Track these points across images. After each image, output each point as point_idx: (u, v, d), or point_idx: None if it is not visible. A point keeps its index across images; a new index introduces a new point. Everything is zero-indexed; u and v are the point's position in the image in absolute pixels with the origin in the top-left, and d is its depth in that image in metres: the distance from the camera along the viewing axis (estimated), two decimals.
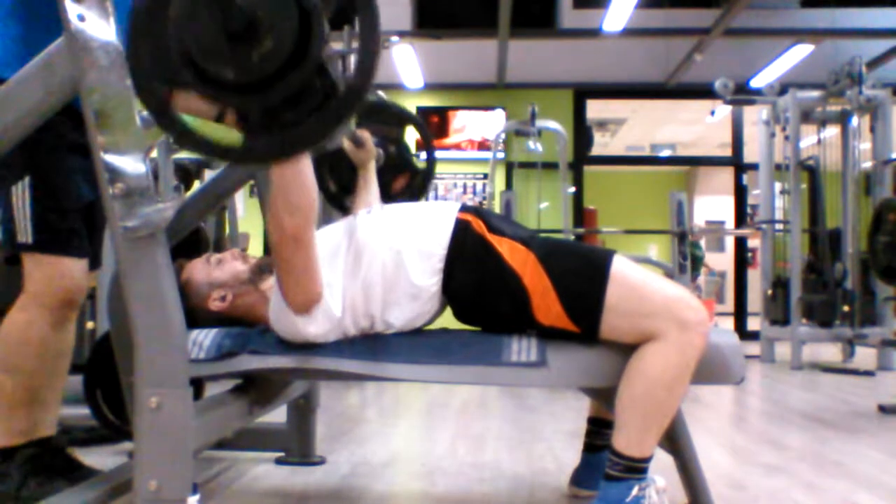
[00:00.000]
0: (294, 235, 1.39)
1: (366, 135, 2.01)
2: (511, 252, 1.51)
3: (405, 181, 2.21)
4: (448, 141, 8.11)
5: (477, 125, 8.10)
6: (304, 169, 1.35)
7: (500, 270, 1.50)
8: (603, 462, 1.50)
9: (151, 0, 0.91)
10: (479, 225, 1.55)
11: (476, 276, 1.52)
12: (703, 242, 10.06)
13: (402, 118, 2.22)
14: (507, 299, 1.50)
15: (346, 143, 2.02)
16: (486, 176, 7.59)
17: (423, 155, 2.25)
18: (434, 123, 8.13)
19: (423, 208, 1.65)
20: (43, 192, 1.59)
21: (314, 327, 1.46)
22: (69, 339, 1.82)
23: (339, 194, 2.15)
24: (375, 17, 1.03)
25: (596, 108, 9.01)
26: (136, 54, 1.08)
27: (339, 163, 2.10)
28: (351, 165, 2.07)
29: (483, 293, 1.52)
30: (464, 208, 1.60)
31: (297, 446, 2.18)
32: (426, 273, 1.53)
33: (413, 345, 1.51)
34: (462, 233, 1.54)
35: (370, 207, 1.96)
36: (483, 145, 7.95)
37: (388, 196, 2.19)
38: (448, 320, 1.64)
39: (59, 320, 1.60)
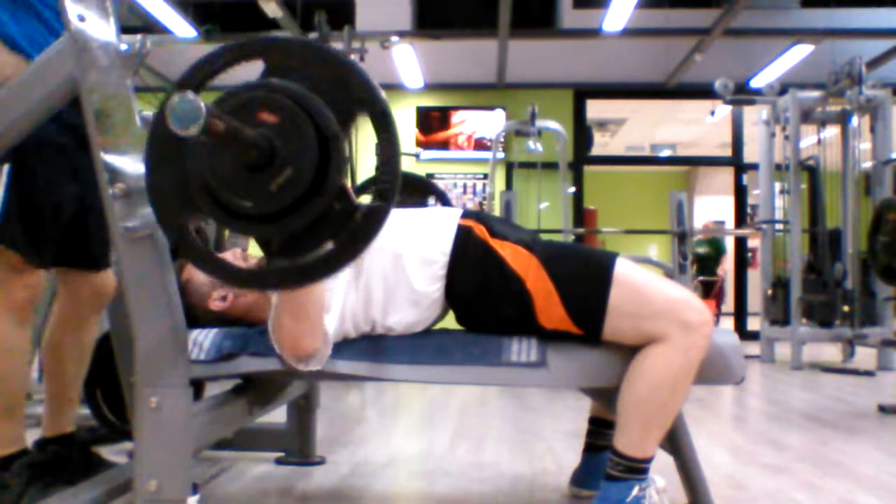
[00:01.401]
0: (293, 345, 1.38)
1: None
2: (514, 256, 1.50)
3: None
4: (446, 134, 8.11)
5: (477, 125, 8.10)
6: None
7: (502, 275, 1.49)
8: (603, 462, 1.50)
9: (170, 133, 0.90)
10: (480, 230, 1.54)
11: (479, 280, 1.51)
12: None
13: (422, 188, 2.24)
14: (510, 303, 1.49)
15: None
16: (486, 176, 7.59)
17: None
18: (436, 119, 8.14)
19: (425, 214, 1.64)
20: (21, 188, 1.55)
21: (307, 368, 1.45)
22: (89, 337, 1.82)
23: None
24: (396, 140, 1.02)
25: (596, 108, 9.01)
26: (156, 183, 1.07)
27: None
28: None
29: (486, 298, 1.51)
30: (465, 214, 1.59)
31: (297, 446, 2.18)
32: (427, 279, 1.53)
33: (413, 346, 1.51)
34: (464, 238, 1.53)
35: None
36: (483, 145, 7.95)
37: None
38: (449, 323, 1.64)
39: (21, 317, 1.57)
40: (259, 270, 1.06)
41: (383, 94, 1.04)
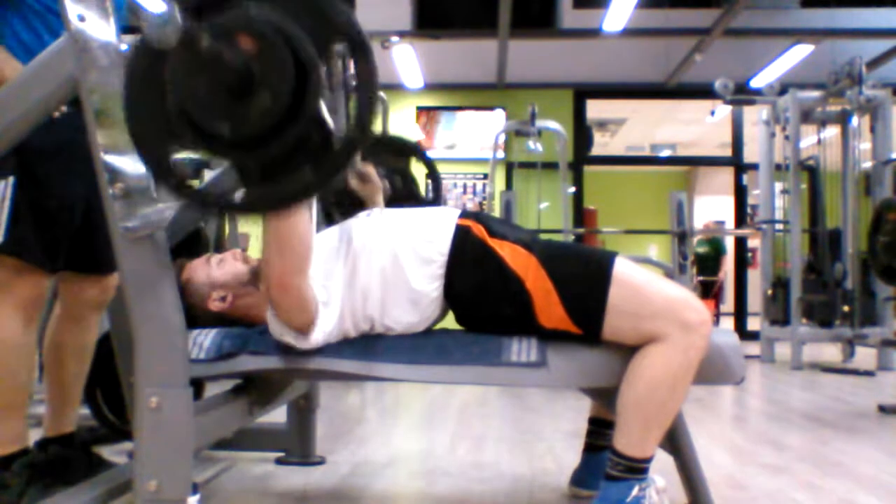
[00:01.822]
0: (280, 281, 1.38)
1: (370, 170, 2.01)
2: (513, 256, 1.50)
3: None
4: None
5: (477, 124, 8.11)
6: (299, 214, 1.34)
7: (501, 274, 1.49)
8: (603, 462, 1.50)
9: (148, 57, 0.90)
10: (479, 230, 1.54)
11: (478, 280, 1.51)
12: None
13: (406, 150, 2.23)
14: (510, 303, 1.49)
15: (352, 180, 2.02)
16: (486, 176, 7.59)
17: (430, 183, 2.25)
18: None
19: (423, 214, 1.64)
20: (29, 194, 1.57)
21: (305, 344, 1.46)
22: (90, 337, 1.83)
23: None
24: (373, 69, 1.02)
25: (596, 108, 9.00)
26: (134, 111, 1.07)
27: (346, 198, 2.11)
28: (358, 201, 2.07)
29: (485, 297, 1.52)
30: (464, 214, 1.59)
31: (297, 446, 2.18)
32: (426, 278, 1.53)
33: (413, 345, 1.51)
34: (462, 238, 1.54)
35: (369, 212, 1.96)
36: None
37: None
38: (449, 323, 1.64)
39: (28, 316, 1.58)
40: (238, 198, 1.06)
41: (360, 24, 1.04)
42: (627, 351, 1.45)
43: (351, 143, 1.02)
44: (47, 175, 1.59)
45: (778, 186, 5.79)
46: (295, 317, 1.42)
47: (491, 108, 8.08)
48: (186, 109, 1.02)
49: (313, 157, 1.03)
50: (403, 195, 2.19)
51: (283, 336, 1.45)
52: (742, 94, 6.30)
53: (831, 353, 5.79)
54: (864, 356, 5.45)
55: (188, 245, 2.29)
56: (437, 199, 2.23)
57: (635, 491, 1.44)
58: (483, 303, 1.52)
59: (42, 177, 1.58)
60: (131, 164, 1.28)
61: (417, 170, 2.24)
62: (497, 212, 6.62)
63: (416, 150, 2.23)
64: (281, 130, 0.99)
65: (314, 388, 2.17)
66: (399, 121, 7.95)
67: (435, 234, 1.55)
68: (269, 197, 1.06)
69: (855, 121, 5.32)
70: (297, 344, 1.45)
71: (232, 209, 1.08)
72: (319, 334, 1.45)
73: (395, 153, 2.20)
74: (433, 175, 2.21)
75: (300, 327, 1.44)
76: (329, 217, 2.15)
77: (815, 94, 5.37)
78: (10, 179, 1.56)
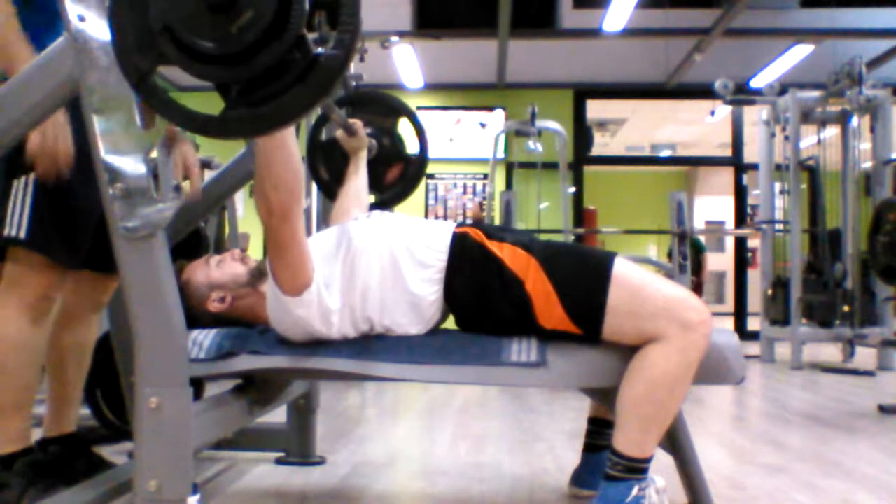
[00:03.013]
0: (280, 212, 1.37)
1: (358, 123, 2.02)
2: (512, 257, 1.50)
3: (398, 171, 2.21)
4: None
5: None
6: (286, 144, 1.34)
7: (501, 276, 1.49)
8: (603, 462, 1.50)
9: None
10: (477, 234, 1.55)
11: (477, 283, 1.51)
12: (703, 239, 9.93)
13: (396, 110, 2.22)
14: (510, 305, 1.49)
15: (339, 132, 2.03)
16: (486, 176, 7.59)
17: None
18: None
19: (422, 221, 1.65)
20: (51, 196, 1.57)
21: (303, 310, 1.44)
22: (90, 336, 1.83)
23: (331, 183, 2.15)
24: None
25: (596, 108, 9.01)
26: (118, 27, 1.07)
27: (333, 152, 2.11)
28: (344, 154, 2.07)
29: (485, 300, 1.52)
30: (461, 224, 1.60)
31: (297, 446, 2.18)
32: (424, 282, 1.53)
33: (413, 345, 1.51)
34: (460, 243, 1.54)
35: (360, 199, 1.97)
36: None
37: (382, 187, 2.19)
38: (449, 324, 1.64)
39: (37, 315, 1.58)
40: (220, 117, 1.06)
41: None
42: (627, 351, 1.45)
43: (334, 64, 1.02)
44: (69, 175, 1.59)
45: (778, 186, 5.79)
46: (292, 264, 1.41)
47: (491, 108, 8.08)
48: (169, 25, 1.02)
49: (294, 79, 1.03)
50: (390, 154, 2.19)
51: (279, 302, 1.44)
52: (742, 94, 6.30)
53: (831, 353, 5.79)
54: (864, 356, 5.45)
55: (188, 245, 2.30)
56: (423, 160, 2.22)
57: (635, 491, 1.44)
58: (483, 305, 1.52)
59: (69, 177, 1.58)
60: (131, 164, 1.29)
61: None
62: (497, 212, 6.62)
63: (407, 111, 2.22)
64: (263, 47, 1.00)
65: (314, 388, 2.17)
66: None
67: (432, 239, 1.56)
68: (250, 118, 1.05)
69: (855, 121, 5.32)
70: (292, 308, 1.44)
71: (214, 129, 1.07)
72: (314, 302, 1.44)
73: (384, 112, 2.21)
74: (421, 136, 2.21)
75: (295, 285, 1.43)
76: (315, 171, 2.16)
77: (815, 94, 5.37)
78: (32, 176, 1.56)
